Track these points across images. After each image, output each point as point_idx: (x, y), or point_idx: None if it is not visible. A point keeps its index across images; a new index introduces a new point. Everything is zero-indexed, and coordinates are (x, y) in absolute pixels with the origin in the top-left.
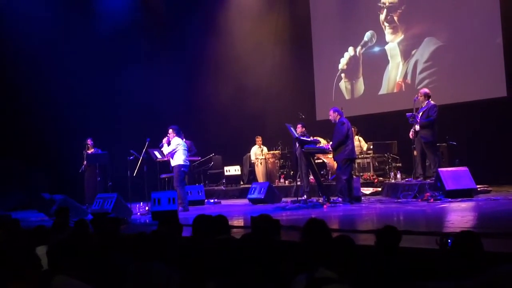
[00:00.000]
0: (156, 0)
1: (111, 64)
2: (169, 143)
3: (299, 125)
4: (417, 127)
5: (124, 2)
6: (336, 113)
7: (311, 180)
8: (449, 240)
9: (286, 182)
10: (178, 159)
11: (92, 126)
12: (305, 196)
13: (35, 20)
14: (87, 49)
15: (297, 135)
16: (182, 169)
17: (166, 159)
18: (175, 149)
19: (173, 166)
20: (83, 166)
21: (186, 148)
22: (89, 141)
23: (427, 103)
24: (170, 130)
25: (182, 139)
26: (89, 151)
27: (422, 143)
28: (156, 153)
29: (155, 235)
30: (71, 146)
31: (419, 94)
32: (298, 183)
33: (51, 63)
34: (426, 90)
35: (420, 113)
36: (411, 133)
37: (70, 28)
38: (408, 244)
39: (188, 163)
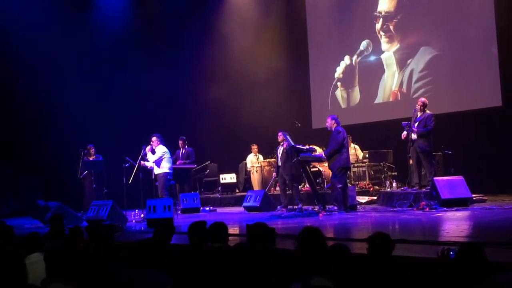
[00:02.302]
0: (153, 7)
1: (108, 70)
2: (153, 151)
3: (279, 133)
4: (414, 136)
5: (122, 9)
6: (333, 121)
7: (307, 189)
8: (451, 252)
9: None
10: (164, 167)
11: (88, 132)
12: (296, 204)
13: (33, 23)
14: (84, 54)
15: (293, 143)
16: (168, 177)
17: (144, 164)
18: (162, 157)
19: (158, 174)
20: (85, 173)
21: (171, 156)
22: (92, 149)
23: (423, 113)
24: (154, 138)
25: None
26: (91, 158)
27: (418, 152)
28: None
29: (150, 242)
30: (67, 152)
31: (418, 103)
32: (288, 192)
33: (46, 68)
34: (425, 99)
35: (417, 123)
36: (403, 134)
37: (69, 33)
38: (403, 253)
39: (172, 171)
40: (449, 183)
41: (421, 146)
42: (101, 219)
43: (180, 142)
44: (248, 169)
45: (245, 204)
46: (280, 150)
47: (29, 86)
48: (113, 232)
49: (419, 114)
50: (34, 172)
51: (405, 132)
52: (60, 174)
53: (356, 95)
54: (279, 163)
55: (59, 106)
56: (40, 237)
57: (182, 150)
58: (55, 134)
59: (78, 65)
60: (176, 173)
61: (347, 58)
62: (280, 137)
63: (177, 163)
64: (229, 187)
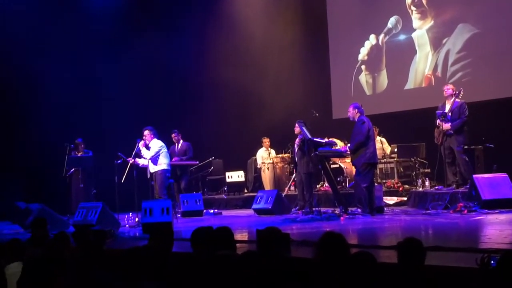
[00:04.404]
0: None
1: (96, 55)
2: (147, 147)
3: (297, 125)
4: (447, 127)
5: None
6: (356, 110)
7: (326, 188)
8: (492, 261)
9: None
10: (162, 164)
11: (75, 124)
12: (300, 207)
13: (16, 16)
14: (69, 36)
15: (310, 136)
16: (167, 174)
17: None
18: (158, 152)
19: (155, 173)
20: (71, 170)
21: (168, 151)
22: (81, 144)
23: (454, 101)
24: (146, 132)
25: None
26: (79, 154)
27: (454, 145)
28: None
29: (146, 250)
30: (51, 147)
31: (447, 90)
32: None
33: (26, 53)
34: (453, 86)
35: (450, 113)
36: (441, 127)
37: (51, 13)
38: (438, 262)
39: (170, 168)
40: (491, 182)
41: (458, 139)
42: (90, 224)
43: (173, 135)
44: (258, 166)
45: (255, 206)
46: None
47: (6, 74)
48: (103, 239)
49: (448, 102)
50: (13, 170)
51: (439, 121)
52: (43, 172)
53: (383, 80)
54: (296, 160)
55: (41, 96)
56: (21, 244)
57: (178, 145)
58: (37, 127)
59: (63, 49)
60: (171, 170)
61: (372, 37)
62: (297, 128)
63: (173, 160)
64: (236, 186)
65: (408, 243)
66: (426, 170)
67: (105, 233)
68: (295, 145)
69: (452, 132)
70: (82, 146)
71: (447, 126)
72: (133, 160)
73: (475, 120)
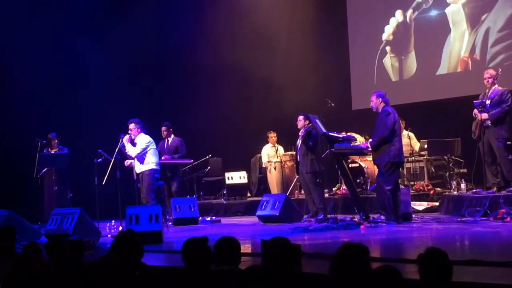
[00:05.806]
0: None
1: (73, 34)
2: (132, 143)
3: (300, 117)
4: (484, 117)
5: None
6: (380, 99)
7: (343, 191)
8: None
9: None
10: (150, 163)
11: (48, 117)
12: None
13: None
14: (40, 11)
15: (324, 130)
16: (156, 175)
17: (131, 164)
18: (146, 149)
19: (141, 173)
20: (44, 170)
21: (157, 148)
22: (54, 139)
23: (494, 88)
24: (132, 125)
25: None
26: (52, 151)
27: (493, 140)
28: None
29: (106, 262)
30: (20, 143)
31: (486, 76)
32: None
33: None
34: (493, 71)
35: (488, 101)
36: (475, 113)
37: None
38: (475, 279)
39: (160, 167)
40: None
41: (498, 133)
42: (65, 233)
43: (163, 129)
44: (263, 165)
45: (259, 212)
46: (299, 141)
47: None
48: (81, 250)
49: (489, 91)
50: None
51: (476, 111)
52: (10, 172)
53: (412, 64)
54: (299, 158)
55: (8, 82)
56: None
57: (167, 141)
58: (3, 118)
59: (34, 24)
60: (161, 170)
61: (399, 13)
62: (300, 122)
63: (163, 158)
64: (237, 189)
65: (430, 255)
66: (461, 170)
67: (83, 244)
68: (299, 139)
69: (489, 123)
70: (56, 141)
71: (484, 116)
72: (128, 162)
73: None
